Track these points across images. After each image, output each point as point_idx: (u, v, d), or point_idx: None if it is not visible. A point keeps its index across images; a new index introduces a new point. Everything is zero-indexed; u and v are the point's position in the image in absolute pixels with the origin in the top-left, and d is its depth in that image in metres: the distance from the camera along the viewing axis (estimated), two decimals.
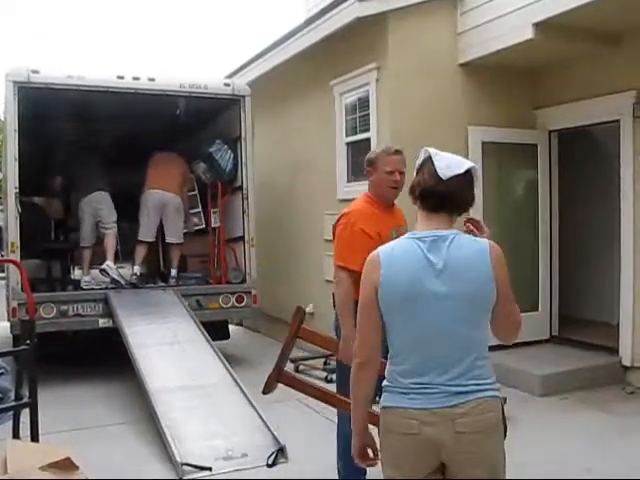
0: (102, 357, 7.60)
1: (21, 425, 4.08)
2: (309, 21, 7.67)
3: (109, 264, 7.71)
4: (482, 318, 2.29)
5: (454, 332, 2.22)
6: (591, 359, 6.65)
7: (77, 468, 2.20)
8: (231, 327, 8.71)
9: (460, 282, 2.22)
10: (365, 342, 2.33)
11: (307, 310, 8.38)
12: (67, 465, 2.19)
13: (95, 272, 7.98)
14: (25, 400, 4.04)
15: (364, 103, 7.35)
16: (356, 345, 2.37)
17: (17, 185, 6.76)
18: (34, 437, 3.95)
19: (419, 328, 2.25)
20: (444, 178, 2.31)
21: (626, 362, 6.47)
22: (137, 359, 5.91)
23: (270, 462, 4.64)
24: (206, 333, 6.57)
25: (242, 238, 7.95)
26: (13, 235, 6.75)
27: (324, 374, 6.89)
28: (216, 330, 7.42)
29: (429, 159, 2.37)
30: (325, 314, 7.68)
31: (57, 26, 20.88)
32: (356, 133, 7.56)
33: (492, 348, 2.37)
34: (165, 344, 6.31)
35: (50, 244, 8.50)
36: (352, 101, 7.64)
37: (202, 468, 4.51)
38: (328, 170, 7.97)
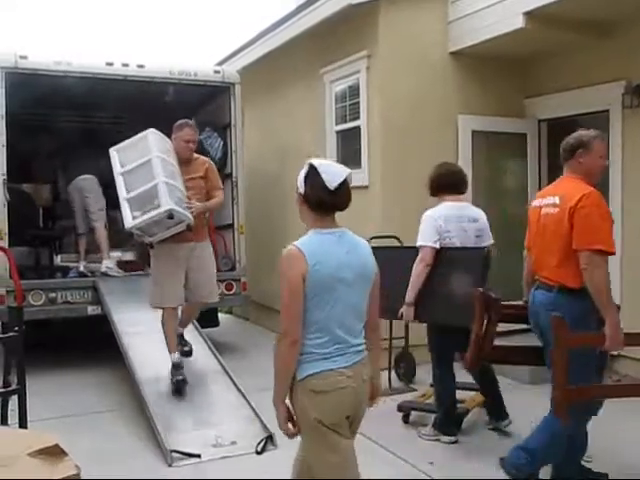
0: (91, 344, 7.58)
1: (9, 412, 4.07)
2: (300, 8, 7.64)
3: (108, 265, 7.59)
4: (367, 294, 2.86)
5: (356, 307, 2.79)
6: None
7: (66, 454, 2.19)
8: (220, 315, 8.71)
9: (358, 269, 2.76)
10: (296, 323, 2.68)
11: None
12: (56, 451, 2.17)
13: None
14: (13, 387, 4.03)
15: (354, 91, 7.33)
16: (288, 326, 2.69)
17: (5, 172, 6.71)
18: (22, 424, 3.94)
19: (336, 306, 2.71)
20: (333, 189, 2.70)
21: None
22: (126, 347, 5.92)
23: (259, 449, 4.66)
24: (195, 321, 6.56)
25: (231, 226, 7.93)
26: (1, 222, 6.71)
27: None
28: (205, 318, 7.38)
29: (314, 170, 2.73)
30: None
31: (58, 23, 20.55)
32: (346, 121, 7.54)
33: None
34: (154, 332, 6.28)
35: (38, 231, 8.45)
36: (342, 89, 7.62)
37: (191, 455, 4.54)
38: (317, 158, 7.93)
